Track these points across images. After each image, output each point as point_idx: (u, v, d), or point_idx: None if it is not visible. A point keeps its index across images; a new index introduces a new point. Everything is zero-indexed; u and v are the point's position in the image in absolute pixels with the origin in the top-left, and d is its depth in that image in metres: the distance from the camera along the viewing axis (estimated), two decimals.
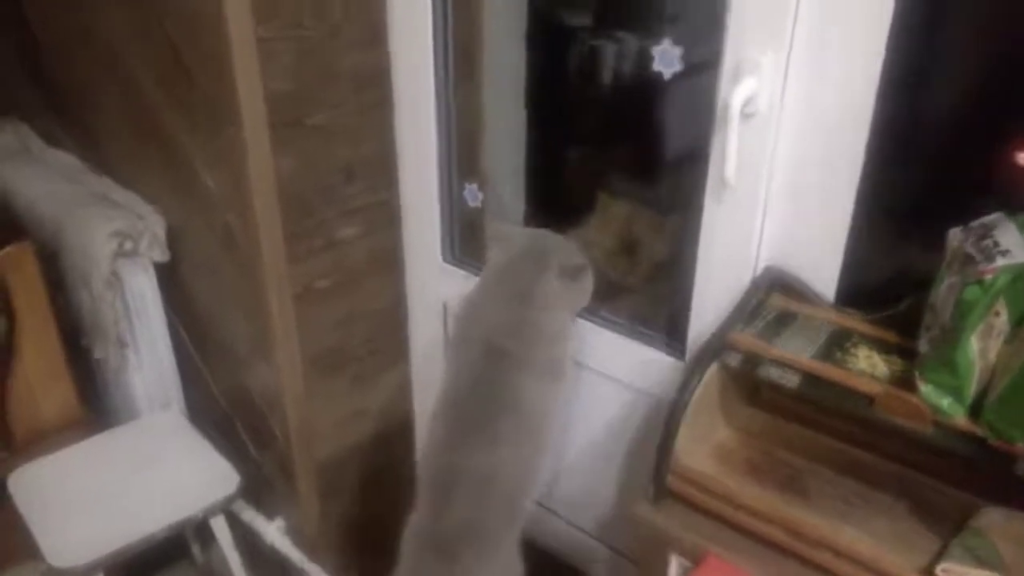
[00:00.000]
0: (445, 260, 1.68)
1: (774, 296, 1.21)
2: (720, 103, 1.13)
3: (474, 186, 1.60)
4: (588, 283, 1.37)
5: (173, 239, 1.80)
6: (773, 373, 1.09)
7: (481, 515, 1.31)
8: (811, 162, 1.14)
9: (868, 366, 1.06)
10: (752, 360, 1.12)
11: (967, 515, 1.04)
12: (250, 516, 1.91)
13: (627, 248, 1.55)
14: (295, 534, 1.90)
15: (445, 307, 1.71)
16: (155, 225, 1.76)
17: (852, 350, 1.10)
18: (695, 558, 1.10)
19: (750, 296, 1.20)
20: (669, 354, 1.38)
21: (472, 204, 1.61)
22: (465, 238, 1.68)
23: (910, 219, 1.18)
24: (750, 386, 1.24)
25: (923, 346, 1.03)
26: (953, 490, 1.09)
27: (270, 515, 1.92)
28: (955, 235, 1.03)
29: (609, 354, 1.46)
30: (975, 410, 0.97)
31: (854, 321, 1.15)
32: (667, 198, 1.57)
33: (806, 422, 1.20)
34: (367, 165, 1.61)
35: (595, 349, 1.47)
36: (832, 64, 1.07)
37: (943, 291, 1.01)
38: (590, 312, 1.46)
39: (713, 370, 1.15)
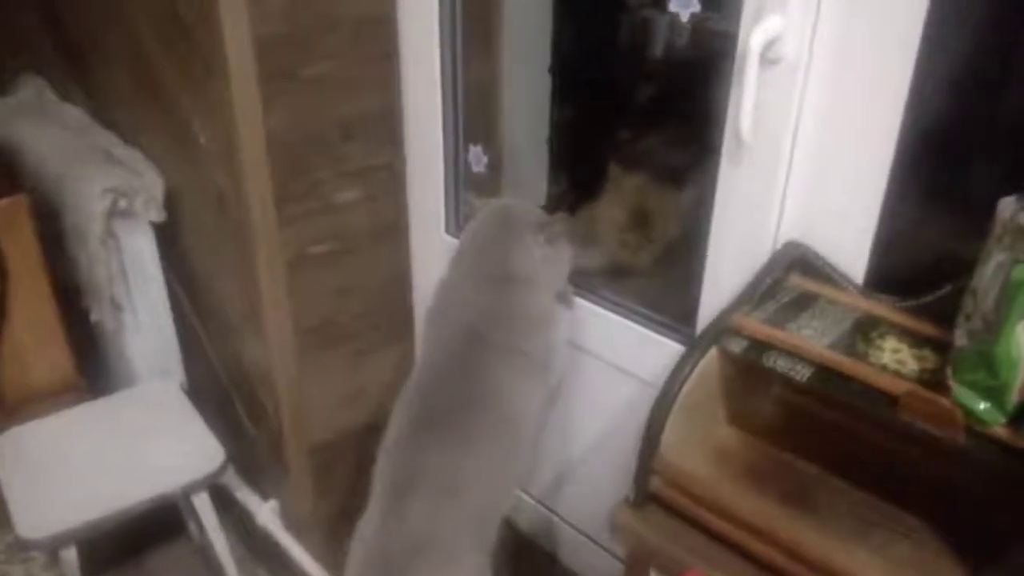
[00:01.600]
0: (448, 232, 1.54)
1: (793, 276, 1.05)
2: (740, 46, 0.98)
3: (478, 148, 1.46)
4: (566, 250, 1.23)
5: (172, 200, 1.72)
6: (781, 363, 0.93)
7: (439, 530, 1.14)
8: (843, 121, 0.97)
9: (895, 360, 0.90)
10: (758, 347, 0.95)
11: (1004, 546, 0.86)
12: (244, 495, 1.82)
13: (639, 224, 1.39)
14: (288, 517, 1.80)
15: None
16: (152, 184, 1.67)
17: (878, 341, 0.93)
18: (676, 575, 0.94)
19: (764, 274, 1.04)
20: (679, 341, 1.22)
21: (476, 169, 1.47)
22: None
23: (954, 191, 1.00)
24: (759, 378, 1.07)
25: (959, 339, 0.85)
26: (990, 513, 0.91)
27: (266, 495, 1.82)
28: (1008, 204, 0.85)
29: (614, 339, 1.30)
30: (1018, 418, 0.79)
31: (884, 308, 0.98)
32: (688, 170, 1.41)
33: (822, 423, 1.03)
34: (367, 123, 1.48)
35: (599, 334, 1.32)
36: (871, 9, 0.92)
37: (989, 271, 0.83)
38: (595, 293, 1.32)
39: (712, 357, 0.99)
